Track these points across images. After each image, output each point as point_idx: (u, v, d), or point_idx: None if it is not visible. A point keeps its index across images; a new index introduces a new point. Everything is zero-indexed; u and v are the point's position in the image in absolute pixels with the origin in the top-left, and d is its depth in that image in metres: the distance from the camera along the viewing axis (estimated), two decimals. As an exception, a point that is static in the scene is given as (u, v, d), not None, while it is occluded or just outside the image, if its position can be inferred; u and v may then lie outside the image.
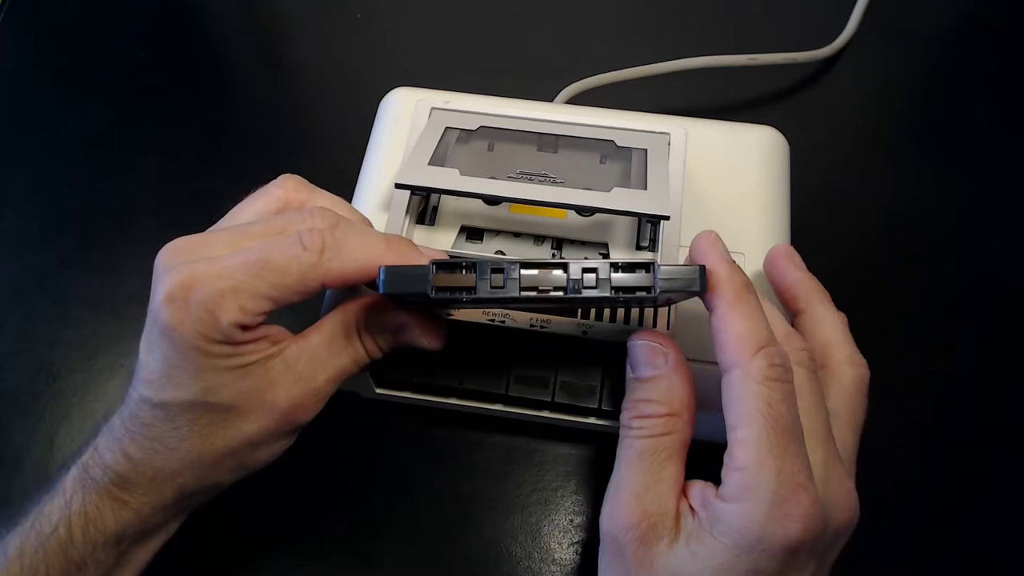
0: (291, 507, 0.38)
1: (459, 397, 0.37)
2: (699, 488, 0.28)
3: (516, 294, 0.28)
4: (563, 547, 0.38)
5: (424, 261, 0.29)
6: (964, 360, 0.43)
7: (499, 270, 0.28)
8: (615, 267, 0.28)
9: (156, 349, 0.28)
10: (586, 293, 0.28)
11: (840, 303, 0.43)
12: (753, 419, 0.26)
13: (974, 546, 0.38)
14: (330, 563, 0.37)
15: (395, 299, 0.31)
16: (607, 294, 0.28)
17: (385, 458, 0.39)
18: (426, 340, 0.32)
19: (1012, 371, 0.42)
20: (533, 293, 0.28)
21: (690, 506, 0.28)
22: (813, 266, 0.42)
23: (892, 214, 0.47)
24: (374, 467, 0.39)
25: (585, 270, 0.28)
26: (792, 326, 0.31)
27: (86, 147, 0.50)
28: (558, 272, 0.28)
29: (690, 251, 0.31)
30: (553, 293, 0.28)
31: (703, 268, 0.28)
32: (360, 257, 0.29)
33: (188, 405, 0.28)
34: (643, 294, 0.28)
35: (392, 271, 0.28)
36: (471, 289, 0.28)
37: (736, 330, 0.28)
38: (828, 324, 0.32)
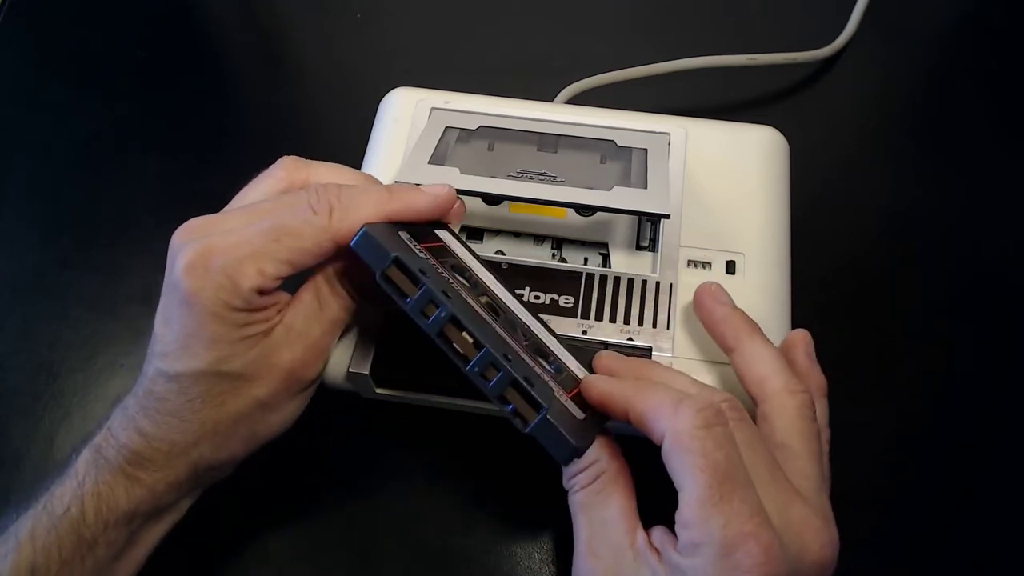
0: (291, 507, 0.38)
1: (459, 397, 0.37)
2: (660, 534, 0.28)
3: (432, 334, 0.29)
4: (563, 547, 0.38)
5: (427, 198, 0.32)
6: (964, 360, 0.43)
7: (436, 304, 0.29)
8: (516, 385, 0.28)
9: (174, 321, 0.29)
10: (477, 382, 0.29)
11: (840, 303, 0.44)
12: (691, 476, 0.26)
13: (974, 546, 0.38)
14: (330, 563, 0.37)
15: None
16: (492, 396, 0.29)
17: (385, 458, 0.39)
18: (362, 284, 0.33)
19: (1012, 371, 0.42)
20: (445, 346, 0.29)
21: (651, 544, 0.28)
22: (813, 266, 0.42)
23: (892, 214, 0.47)
24: (374, 467, 0.39)
25: (494, 366, 0.29)
26: (730, 362, 0.33)
27: (86, 147, 0.50)
28: (473, 347, 0.29)
29: (583, 386, 0.31)
30: (457, 360, 0.29)
31: (577, 448, 0.28)
32: (367, 212, 0.30)
33: (201, 375, 0.29)
34: (516, 420, 0.29)
35: (366, 237, 0.29)
36: (408, 299, 0.29)
37: (648, 404, 0.28)
38: (760, 358, 0.32)
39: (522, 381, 0.28)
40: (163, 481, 0.30)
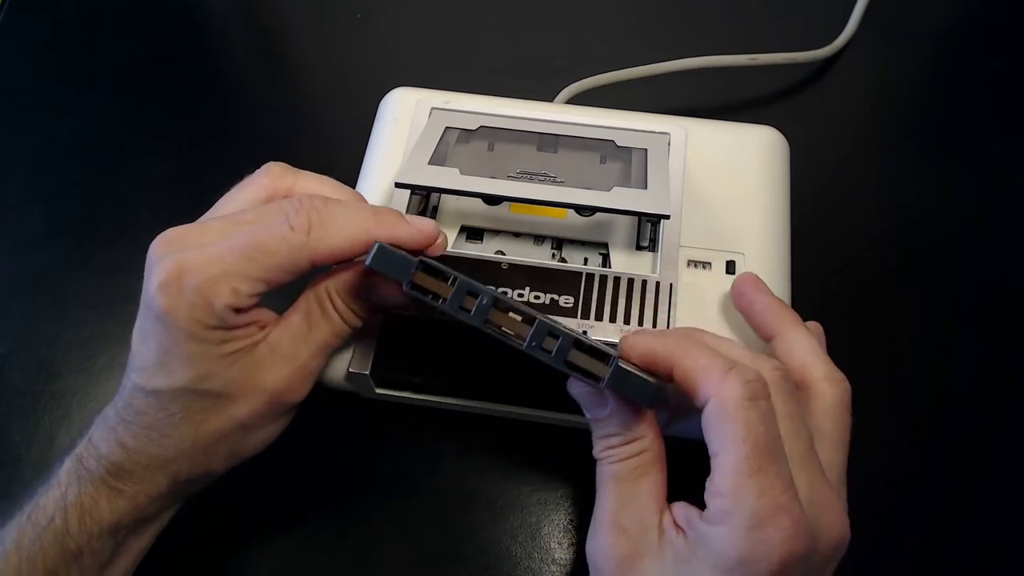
0: (291, 506, 0.38)
1: (459, 397, 0.37)
2: (683, 509, 0.28)
3: (478, 324, 0.28)
4: (563, 547, 0.38)
5: (411, 231, 0.31)
6: (964, 360, 0.43)
7: (475, 295, 0.28)
8: (579, 345, 0.28)
9: (150, 337, 0.29)
10: (539, 356, 0.28)
11: (840, 304, 0.44)
12: (730, 445, 0.26)
13: (974, 546, 0.38)
14: (329, 562, 0.37)
15: (374, 274, 0.31)
16: (558, 366, 0.28)
17: (385, 458, 0.39)
18: (392, 295, 0.32)
19: (1012, 371, 0.42)
20: (494, 331, 0.28)
21: (675, 523, 0.28)
22: (813, 266, 0.42)
23: (892, 214, 0.47)
24: (374, 467, 0.39)
25: (551, 334, 0.28)
26: (772, 349, 0.32)
27: (86, 147, 0.50)
28: (524, 324, 0.28)
29: (622, 347, 0.31)
30: (511, 341, 0.28)
31: (658, 386, 0.28)
32: (347, 233, 0.29)
33: (180, 392, 0.29)
34: (589, 380, 0.28)
35: (383, 250, 0.28)
36: (443, 299, 0.28)
37: (696, 365, 0.28)
38: (802, 345, 0.32)
39: (583, 339, 0.28)
40: (143, 493, 0.30)
